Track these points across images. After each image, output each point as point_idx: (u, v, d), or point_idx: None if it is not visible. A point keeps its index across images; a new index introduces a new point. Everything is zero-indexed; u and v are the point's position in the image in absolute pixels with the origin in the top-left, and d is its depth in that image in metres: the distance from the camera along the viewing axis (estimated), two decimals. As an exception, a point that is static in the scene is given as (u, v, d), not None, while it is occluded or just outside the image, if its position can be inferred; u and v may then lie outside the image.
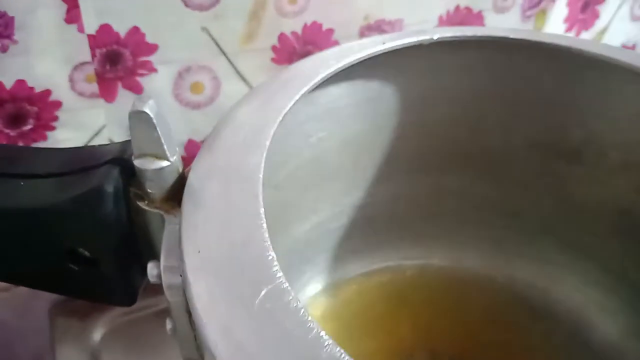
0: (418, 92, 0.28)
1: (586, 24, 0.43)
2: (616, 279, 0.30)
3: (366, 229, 0.32)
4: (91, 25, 0.28)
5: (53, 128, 0.30)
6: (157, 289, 0.42)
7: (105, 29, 0.28)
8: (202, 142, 0.19)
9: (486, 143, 0.30)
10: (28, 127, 0.29)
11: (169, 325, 0.19)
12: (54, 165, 0.19)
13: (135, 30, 0.29)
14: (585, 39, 0.42)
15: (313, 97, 0.25)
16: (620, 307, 0.30)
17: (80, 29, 0.28)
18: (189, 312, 0.17)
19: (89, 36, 0.28)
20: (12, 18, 0.27)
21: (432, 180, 0.31)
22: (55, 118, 0.29)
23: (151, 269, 0.18)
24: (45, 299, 0.40)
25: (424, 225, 0.33)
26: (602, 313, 0.31)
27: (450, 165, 0.31)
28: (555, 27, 0.41)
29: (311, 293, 0.31)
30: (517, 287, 0.33)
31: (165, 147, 0.17)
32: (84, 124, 0.30)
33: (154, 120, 0.17)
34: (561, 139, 0.28)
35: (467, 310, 0.32)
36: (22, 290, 0.38)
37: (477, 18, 0.38)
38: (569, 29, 0.42)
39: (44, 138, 0.30)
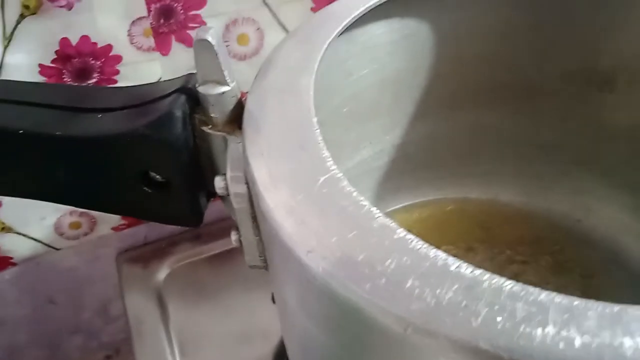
0: (452, 28, 0.29)
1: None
2: (651, 205, 0.31)
3: (406, 167, 0.33)
4: (145, -19, 0.30)
5: (115, 82, 0.32)
6: (211, 235, 0.44)
7: (158, -16, 0.30)
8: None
9: (521, 77, 0.31)
10: (93, 80, 0.31)
11: (234, 236, 0.22)
12: (127, 99, 0.22)
13: (185, -16, 0.31)
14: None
15: (353, 36, 0.26)
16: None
17: (136, -15, 0.30)
18: (253, 217, 0.20)
19: (144, -8, 0.30)
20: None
21: (469, 117, 0.32)
22: (117, 72, 0.32)
23: (218, 182, 0.20)
24: (112, 246, 0.43)
25: (462, 161, 0.34)
26: (637, 239, 0.32)
27: (486, 102, 0.32)
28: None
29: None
30: (554, 218, 0.34)
31: (225, 72, 0.19)
32: (142, 76, 0.33)
33: (215, 48, 0.19)
34: (593, 66, 0.29)
35: (506, 242, 0.34)
36: (90, 238, 0.41)
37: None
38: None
39: (107, 91, 0.33)
